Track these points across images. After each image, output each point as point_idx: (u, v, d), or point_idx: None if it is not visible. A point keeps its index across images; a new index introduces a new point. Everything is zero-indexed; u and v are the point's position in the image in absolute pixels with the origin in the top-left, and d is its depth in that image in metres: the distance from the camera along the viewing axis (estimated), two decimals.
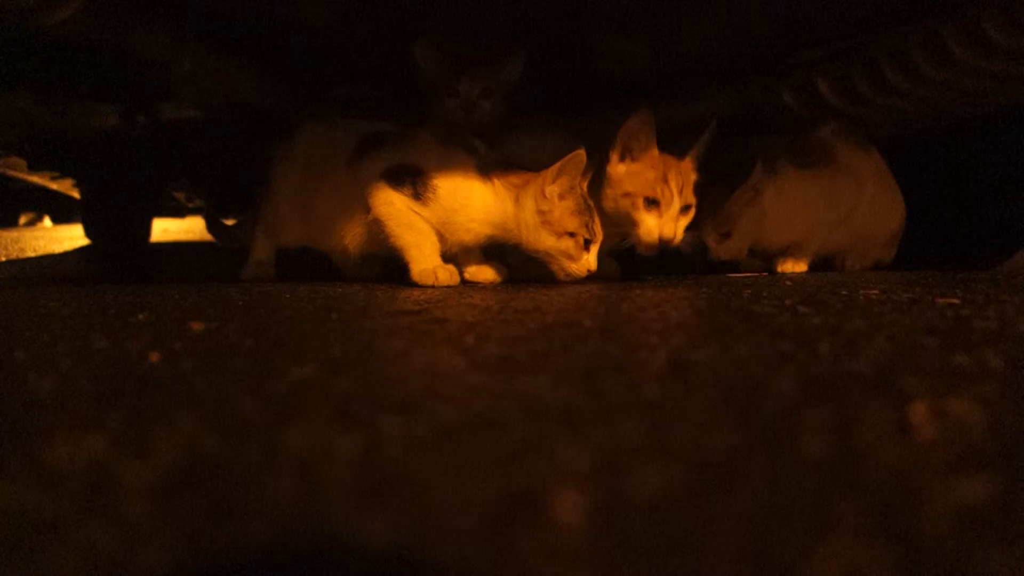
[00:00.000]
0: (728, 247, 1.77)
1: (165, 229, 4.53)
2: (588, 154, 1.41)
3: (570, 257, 1.45)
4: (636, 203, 1.52)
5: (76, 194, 3.30)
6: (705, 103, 2.08)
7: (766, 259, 1.89)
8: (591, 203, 1.46)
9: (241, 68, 1.83)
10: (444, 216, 1.45)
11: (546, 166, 1.41)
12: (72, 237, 3.71)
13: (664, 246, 1.53)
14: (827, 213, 1.80)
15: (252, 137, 2.30)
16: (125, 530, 0.33)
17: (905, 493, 0.33)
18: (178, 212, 3.80)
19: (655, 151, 1.54)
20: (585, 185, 1.48)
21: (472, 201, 1.44)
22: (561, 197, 1.42)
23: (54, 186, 3.13)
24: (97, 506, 0.35)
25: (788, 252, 1.85)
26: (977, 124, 1.98)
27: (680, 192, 1.52)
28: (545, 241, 1.43)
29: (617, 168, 1.54)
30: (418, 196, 1.44)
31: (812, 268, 1.86)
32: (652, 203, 1.51)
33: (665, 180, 1.50)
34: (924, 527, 0.30)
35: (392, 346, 0.75)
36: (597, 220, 1.46)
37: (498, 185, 1.45)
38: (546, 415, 0.47)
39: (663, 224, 1.51)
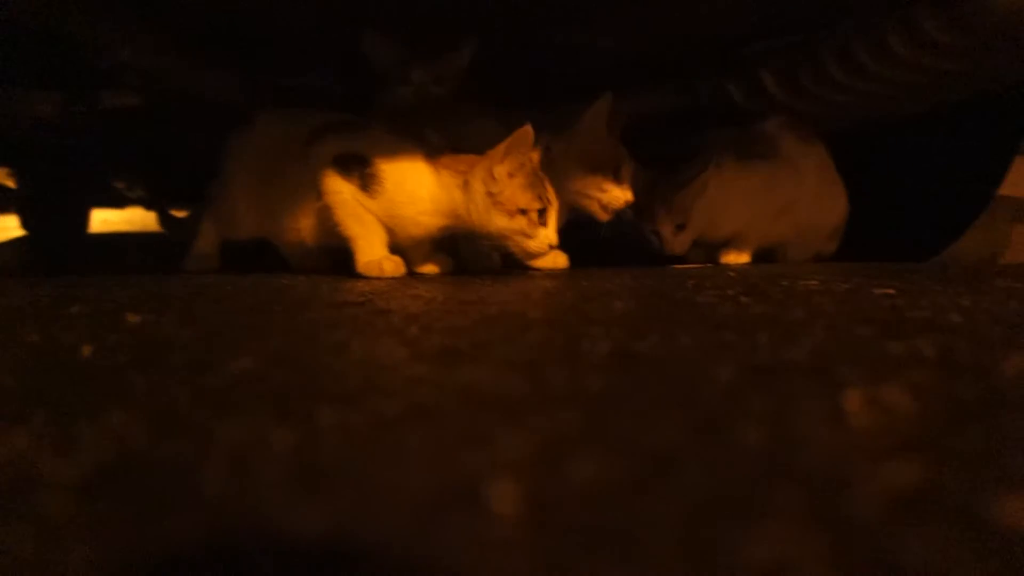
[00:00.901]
0: (683, 240, 1.79)
1: (105, 220, 4.42)
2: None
3: (526, 235, 1.41)
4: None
5: (11, 183, 3.20)
6: (652, 97, 2.10)
7: (709, 250, 1.91)
8: (542, 174, 1.44)
9: (184, 56, 1.80)
10: (392, 209, 1.43)
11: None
12: (6, 228, 3.60)
13: None
14: (768, 204, 1.83)
15: (197, 126, 2.26)
16: (45, 531, 0.31)
17: (837, 479, 0.34)
18: (119, 202, 3.70)
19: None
20: (537, 157, 1.45)
21: (420, 193, 1.42)
22: (511, 175, 1.40)
23: None
24: (16, 506, 0.33)
25: (731, 243, 1.88)
26: (917, 119, 2.03)
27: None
28: (498, 223, 1.40)
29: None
30: (365, 187, 1.42)
31: (755, 259, 1.88)
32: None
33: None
34: (855, 511, 0.30)
35: (334, 338, 0.74)
36: (550, 188, 1.44)
37: (444, 173, 1.43)
38: (485, 405, 0.47)
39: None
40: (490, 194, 1.39)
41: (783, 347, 0.63)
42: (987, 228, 2.53)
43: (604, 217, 1.65)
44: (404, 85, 1.73)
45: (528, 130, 1.37)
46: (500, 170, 1.39)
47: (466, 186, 1.41)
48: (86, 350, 0.67)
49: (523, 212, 1.40)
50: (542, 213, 1.42)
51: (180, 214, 2.16)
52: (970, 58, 1.56)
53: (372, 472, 0.36)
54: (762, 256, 1.92)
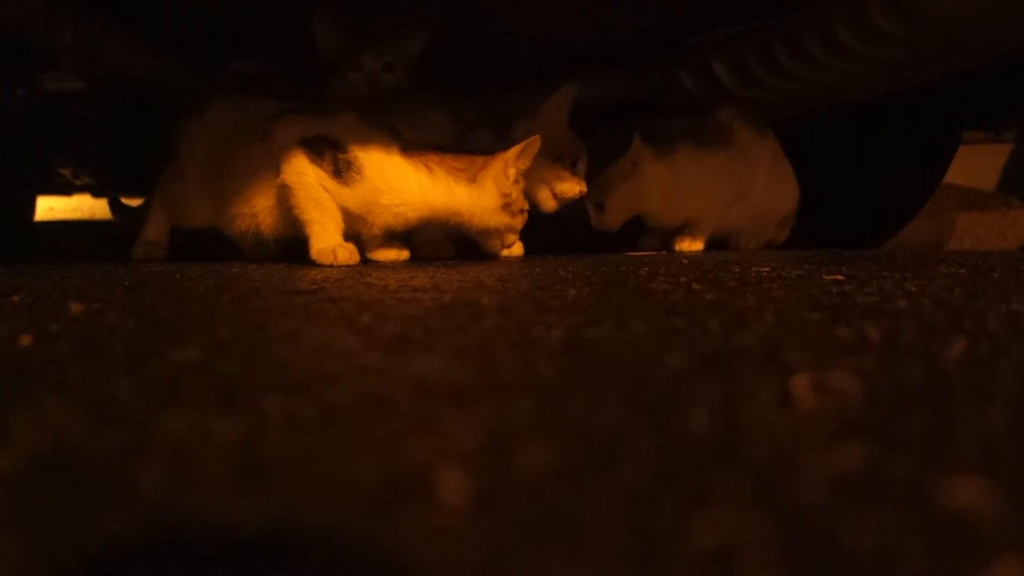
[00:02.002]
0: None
1: (51, 208, 4.31)
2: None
3: (514, 230, 1.52)
4: None
5: None
6: (605, 85, 2.10)
7: (664, 237, 1.92)
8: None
9: (128, 38, 1.75)
10: (369, 197, 1.41)
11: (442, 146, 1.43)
12: None
13: None
14: (722, 191, 1.85)
15: (143, 111, 2.21)
16: None
17: (783, 463, 0.34)
18: (65, 190, 3.61)
19: None
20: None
21: (403, 184, 1.41)
22: (516, 180, 1.46)
23: None
24: None
25: (685, 231, 1.89)
26: (865, 107, 2.06)
27: None
28: (502, 220, 1.47)
29: None
30: (339, 173, 1.40)
31: (708, 247, 1.90)
32: None
33: None
34: (800, 495, 0.31)
35: (283, 327, 0.72)
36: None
37: (436, 170, 1.43)
38: (435, 394, 0.46)
39: None
40: (504, 195, 1.44)
41: (733, 333, 0.63)
42: (933, 216, 2.59)
43: (552, 207, 1.66)
44: (353, 71, 1.70)
45: (537, 139, 1.44)
46: (512, 172, 1.44)
47: (475, 184, 1.43)
48: (24, 340, 0.65)
49: (522, 211, 1.50)
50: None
51: (133, 202, 2.11)
52: (916, 48, 1.59)
53: (318, 462, 0.36)
54: (715, 243, 1.94)
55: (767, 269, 1.24)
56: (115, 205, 2.09)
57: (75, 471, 0.35)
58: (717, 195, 1.85)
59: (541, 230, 1.65)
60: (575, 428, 0.39)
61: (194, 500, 0.33)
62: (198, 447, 0.37)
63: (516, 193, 1.46)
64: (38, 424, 0.41)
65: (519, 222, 1.50)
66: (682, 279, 1.09)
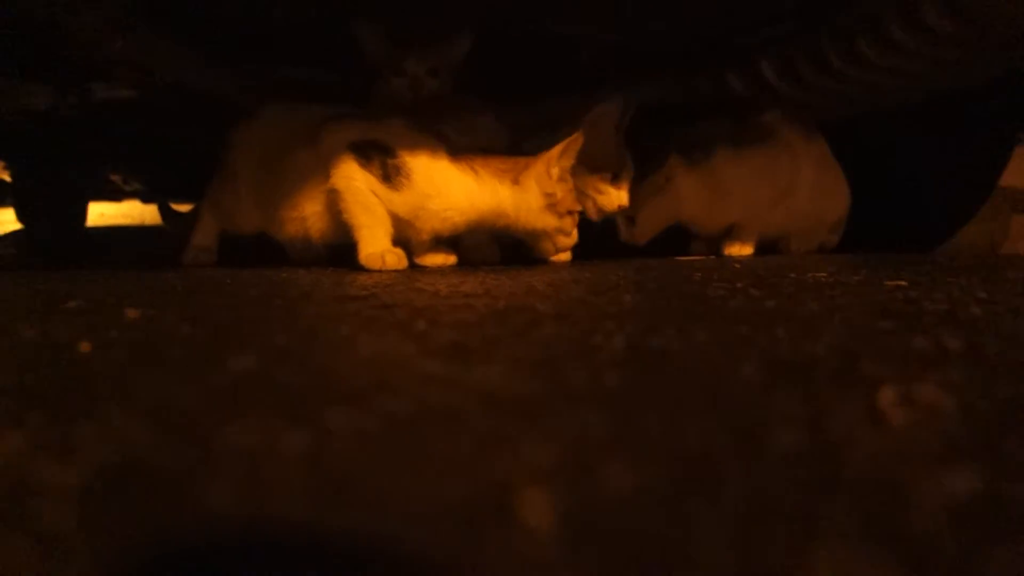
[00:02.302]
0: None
1: (102, 213, 4.39)
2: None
3: (566, 234, 1.48)
4: None
5: (7, 176, 3.17)
6: (652, 88, 2.07)
7: (711, 242, 1.90)
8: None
9: (178, 47, 1.77)
10: (418, 202, 1.41)
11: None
12: (3, 221, 3.57)
13: None
14: (762, 192, 1.82)
15: (192, 119, 2.23)
16: (44, 541, 0.29)
17: (890, 489, 0.31)
18: (115, 196, 3.68)
19: None
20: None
21: (450, 188, 1.41)
22: (562, 179, 1.44)
23: None
24: (12, 515, 0.31)
25: (732, 235, 1.86)
26: (917, 108, 2.01)
27: None
28: (549, 222, 1.45)
29: None
30: (388, 178, 1.40)
31: (758, 251, 1.87)
32: None
33: None
34: (917, 526, 0.28)
35: (338, 333, 0.72)
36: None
37: (482, 172, 1.43)
38: (504, 406, 0.44)
39: None
40: (548, 195, 1.42)
41: (804, 342, 0.61)
42: (987, 219, 2.52)
43: (594, 218, 1.65)
44: (398, 76, 1.70)
45: (580, 136, 1.42)
46: (555, 172, 1.42)
47: (518, 185, 1.42)
48: (84, 346, 0.65)
49: (571, 213, 1.47)
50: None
51: (182, 208, 2.13)
52: (970, 46, 1.55)
53: (391, 480, 0.34)
54: (765, 248, 1.90)
55: (824, 274, 1.21)
56: (165, 211, 2.12)
57: (142, 484, 0.35)
58: (758, 196, 1.82)
59: (586, 234, 1.63)
60: (659, 445, 0.37)
61: (263, 517, 0.32)
62: (266, 461, 0.36)
63: (561, 193, 1.44)
64: (103, 435, 0.40)
65: (568, 224, 1.47)
66: (738, 285, 1.06)
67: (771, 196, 1.84)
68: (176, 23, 1.67)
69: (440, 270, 1.45)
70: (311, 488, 0.34)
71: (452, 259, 1.55)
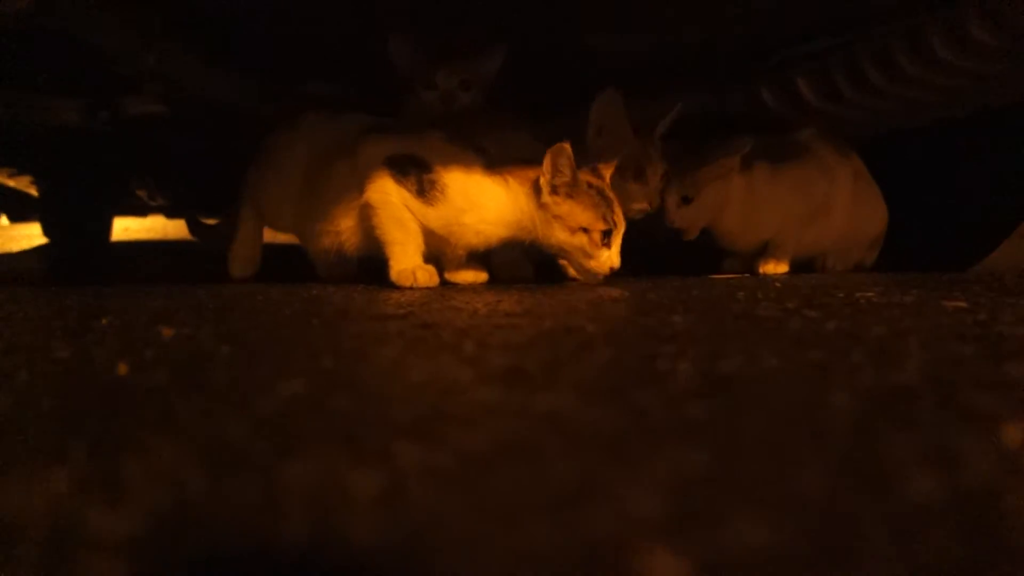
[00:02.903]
0: (684, 215, 1.74)
1: (127, 228, 4.40)
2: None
3: (586, 254, 1.38)
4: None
5: (34, 191, 3.18)
6: (686, 103, 2.04)
7: (745, 260, 1.86)
8: (611, 194, 1.40)
9: (208, 62, 1.76)
10: (452, 217, 1.38)
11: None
12: (30, 236, 3.58)
13: None
14: (796, 209, 1.79)
15: (218, 133, 2.22)
16: None
17: None
18: (140, 211, 3.68)
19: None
20: (608, 174, 1.44)
21: (484, 201, 1.38)
22: (562, 191, 1.36)
23: (11, 183, 3.00)
24: (58, 570, 0.28)
25: (768, 252, 1.83)
26: (955, 124, 1.97)
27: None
28: (559, 236, 1.37)
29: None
30: (422, 193, 1.37)
31: (794, 269, 1.83)
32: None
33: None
34: None
35: (385, 355, 0.68)
36: (619, 209, 1.40)
37: (511, 182, 1.39)
38: (585, 441, 0.41)
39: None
40: (542, 206, 1.36)
41: (887, 369, 0.57)
42: (1023, 238, 2.46)
43: (632, 217, 1.60)
44: (429, 89, 1.68)
45: (563, 146, 1.34)
46: (544, 183, 1.36)
47: (528, 195, 1.38)
48: (122, 368, 0.62)
49: (584, 231, 1.37)
50: (607, 234, 1.38)
51: (210, 221, 2.12)
52: (1015, 60, 1.51)
53: (478, 529, 0.30)
54: (802, 267, 1.87)
55: (872, 294, 1.17)
56: (194, 225, 2.10)
57: (199, 532, 0.31)
58: (792, 213, 1.79)
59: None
60: (776, 490, 0.33)
61: (335, 568, 0.28)
62: (336, 503, 0.33)
63: (567, 208, 1.35)
64: (153, 475, 0.37)
65: (585, 243, 1.37)
66: (788, 305, 1.02)
67: (805, 213, 1.81)
68: (207, 38, 1.66)
69: (472, 287, 1.42)
70: (388, 535, 0.30)
71: (483, 276, 1.52)
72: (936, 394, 0.49)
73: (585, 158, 1.43)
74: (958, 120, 1.93)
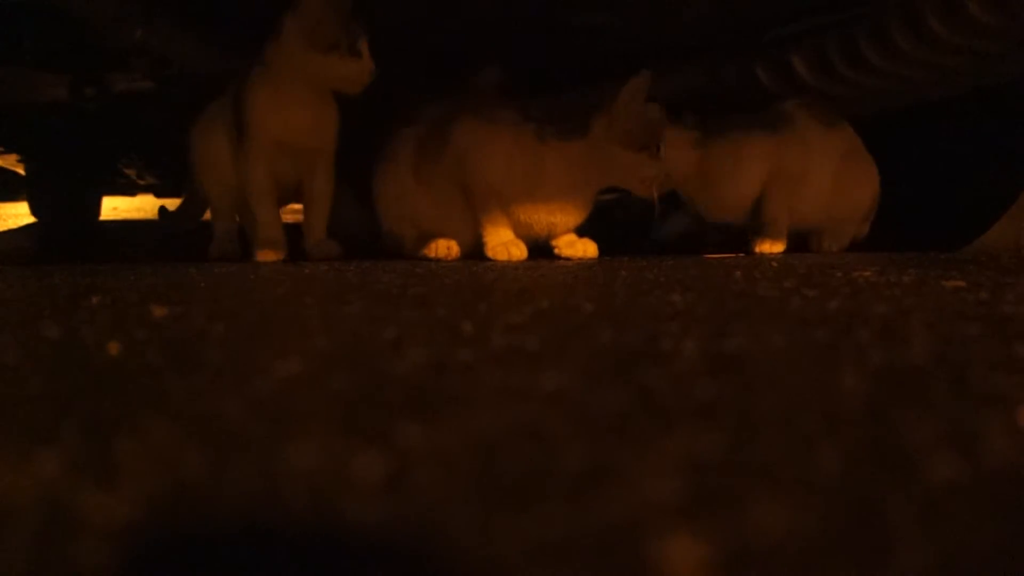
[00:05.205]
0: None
1: (115, 207, 4.36)
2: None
3: None
4: None
5: (21, 170, 3.14)
6: (677, 80, 2.02)
7: (734, 237, 1.86)
8: None
9: (197, 37, 1.73)
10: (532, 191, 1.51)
11: None
12: (16, 215, 3.54)
13: None
14: (773, 174, 1.79)
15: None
16: None
17: None
18: (129, 190, 3.65)
19: None
20: None
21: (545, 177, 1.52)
22: None
23: None
24: (49, 561, 0.27)
25: (762, 231, 1.81)
26: (949, 104, 1.97)
27: None
28: None
29: None
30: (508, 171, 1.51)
31: (789, 248, 1.82)
32: None
33: None
34: None
35: (383, 334, 0.67)
36: None
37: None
38: (594, 422, 0.40)
39: None
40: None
41: (894, 349, 0.56)
42: (1016, 218, 2.46)
43: (645, 193, 1.61)
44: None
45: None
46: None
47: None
48: (113, 348, 0.60)
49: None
50: None
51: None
52: (1012, 39, 1.50)
53: (495, 519, 0.29)
54: (797, 245, 1.86)
55: (869, 273, 1.16)
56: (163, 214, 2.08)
57: (200, 517, 0.30)
58: (760, 182, 1.79)
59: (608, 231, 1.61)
60: (796, 472, 0.32)
61: (340, 554, 0.27)
62: (342, 488, 0.31)
63: None
64: (149, 457, 0.35)
65: None
66: (786, 284, 1.02)
67: (786, 182, 1.80)
68: (195, 11, 1.63)
69: (457, 263, 1.43)
70: (393, 522, 0.29)
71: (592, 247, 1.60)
72: (949, 374, 0.48)
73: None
74: (955, 99, 1.92)
